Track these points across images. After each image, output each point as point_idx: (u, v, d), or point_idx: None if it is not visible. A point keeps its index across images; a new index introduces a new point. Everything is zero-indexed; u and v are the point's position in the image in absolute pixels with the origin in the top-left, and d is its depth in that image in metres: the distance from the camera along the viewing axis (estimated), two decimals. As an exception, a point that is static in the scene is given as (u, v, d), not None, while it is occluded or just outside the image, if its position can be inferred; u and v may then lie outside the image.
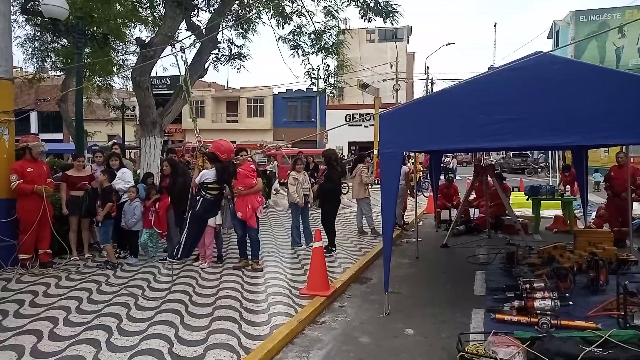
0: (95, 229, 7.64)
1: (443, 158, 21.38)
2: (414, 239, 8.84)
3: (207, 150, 6.30)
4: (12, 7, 10.03)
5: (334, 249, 8.39)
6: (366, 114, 30.65)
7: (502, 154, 37.75)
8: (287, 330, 4.63)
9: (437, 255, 8.56)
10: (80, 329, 4.62)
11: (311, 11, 11.94)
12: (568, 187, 11.19)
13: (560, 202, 11.02)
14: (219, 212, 7.05)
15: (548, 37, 41.76)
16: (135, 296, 5.66)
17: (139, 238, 7.52)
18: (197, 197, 5.90)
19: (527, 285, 5.26)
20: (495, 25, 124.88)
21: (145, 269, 6.95)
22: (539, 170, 31.98)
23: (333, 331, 4.92)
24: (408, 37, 50.96)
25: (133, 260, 7.34)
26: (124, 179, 7.48)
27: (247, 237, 7.12)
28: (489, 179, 10.08)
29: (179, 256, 6.06)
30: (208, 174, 5.94)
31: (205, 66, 11.38)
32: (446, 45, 38.94)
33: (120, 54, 15.97)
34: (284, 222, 11.64)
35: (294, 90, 39.32)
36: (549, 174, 19.82)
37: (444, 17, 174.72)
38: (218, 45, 12.12)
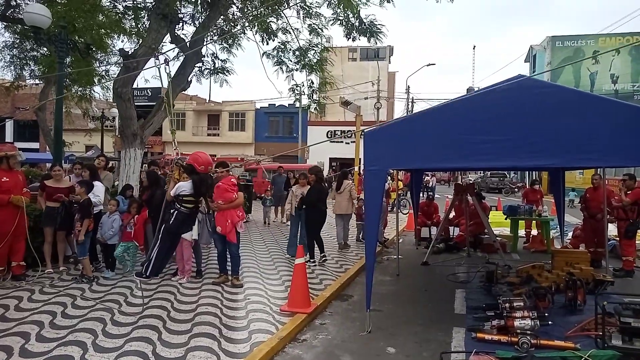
0: (73, 241, 7.46)
1: (423, 176, 21.56)
2: (395, 256, 8.85)
3: (185, 162, 6.20)
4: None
5: (325, 256, 8.79)
6: (348, 131, 30.84)
7: (480, 173, 38.30)
8: (268, 348, 4.56)
9: (417, 273, 8.58)
10: (54, 344, 4.47)
11: (297, 29, 12.06)
12: (544, 207, 11.40)
13: (537, 221, 11.19)
14: (196, 226, 6.97)
15: (525, 61, 42.84)
16: (111, 311, 5.51)
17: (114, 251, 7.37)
18: (172, 210, 5.76)
19: (507, 305, 5.30)
20: (474, 48, 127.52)
21: (122, 283, 6.78)
22: (516, 190, 32.55)
23: (314, 349, 4.86)
24: (390, 56, 51.74)
25: (109, 274, 7.17)
26: (94, 192, 7.28)
27: (228, 252, 7.03)
28: (469, 197, 10.20)
29: (147, 274, 5.93)
30: (184, 186, 5.84)
31: (189, 79, 11.34)
32: (427, 65, 39.30)
33: (102, 65, 15.81)
34: (264, 237, 11.57)
35: (276, 105, 39.41)
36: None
37: (425, 38, 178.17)
38: (202, 58, 12.12)
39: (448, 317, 5.89)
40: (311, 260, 8.47)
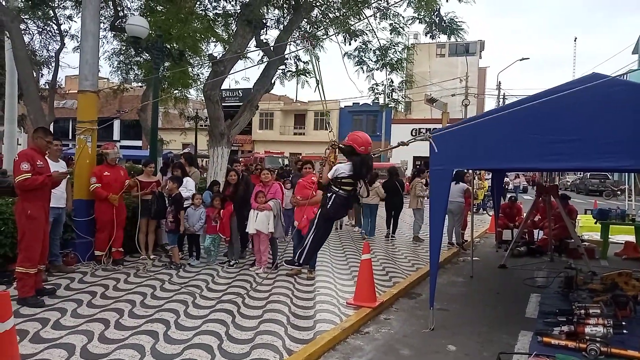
0: (164, 231, 8.23)
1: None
2: (471, 258, 8.74)
3: (343, 142, 5.60)
4: (102, 24, 11.07)
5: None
6: (414, 137, 30.28)
7: (580, 174, 35.80)
8: (330, 337, 4.82)
9: (493, 276, 8.40)
10: (142, 321, 5.06)
11: (373, 30, 12.17)
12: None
13: (632, 227, 10.42)
14: (272, 220, 7.36)
15: (633, 53, 39.30)
16: (193, 295, 6.07)
17: (201, 243, 8.02)
18: (329, 194, 5.33)
19: (582, 311, 5.11)
20: (575, 40, 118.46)
21: (206, 271, 7.38)
22: (619, 192, 30.01)
23: (375, 341, 5.04)
24: (480, 51, 49.83)
25: (195, 262, 7.82)
26: (187, 186, 8.06)
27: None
28: (552, 199, 9.75)
29: (301, 261, 5.60)
30: (343, 168, 5.29)
31: (272, 81, 11.90)
32: (520, 60, 37.50)
33: (195, 68, 16.96)
34: (339, 233, 11.85)
35: (360, 104, 39.60)
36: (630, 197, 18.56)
37: (523, 33, 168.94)
38: (285, 61, 12.63)
39: (517, 320, 5.78)
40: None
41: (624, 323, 5.11)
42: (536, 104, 4.97)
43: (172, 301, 5.80)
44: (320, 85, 6.29)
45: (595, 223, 10.79)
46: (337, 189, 5.29)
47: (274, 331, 4.93)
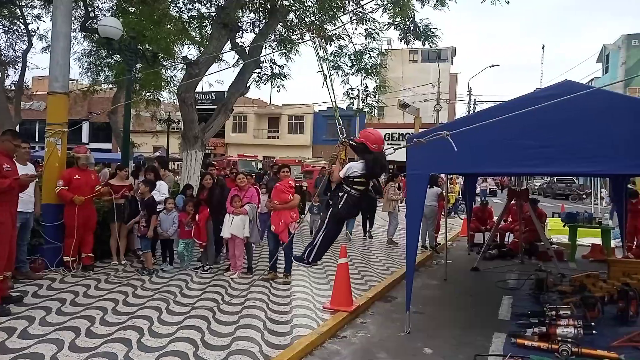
0: (136, 236, 8.06)
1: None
2: (445, 261, 8.85)
3: (355, 140, 5.38)
4: (72, 25, 10.82)
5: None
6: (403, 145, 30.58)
7: (547, 178, 36.73)
8: (307, 341, 4.80)
9: (466, 278, 8.53)
10: (115, 328, 4.93)
11: (348, 35, 12.23)
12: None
13: (599, 230, 10.74)
14: (247, 224, 7.31)
15: (598, 61, 40.64)
16: (167, 301, 5.95)
17: (174, 247, 7.90)
18: (340, 193, 5.11)
19: (553, 312, 5.24)
20: (543, 48, 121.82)
21: (179, 276, 7.26)
22: (584, 196, 30.90)
23: (352, 346, 5.04)
24: (452, 58, 50.75)
25: (168, 267, 7.68)
26: (160, 190, 7.93)
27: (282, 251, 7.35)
28: (523, 203, 9.96)
29: (310, 260, 5.39)
30: (355, 167, 5.06)
31: (247, 84, 11.83)
32: (490, 67, 38.29)
33: (169, 70, 16.74)
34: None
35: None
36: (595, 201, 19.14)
37: (494, 39, 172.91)
38: (260, 64, 12.58)
39: (491, 322, 5.87)
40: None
41: (593, 324, 5.25)
42: (512, 111, 5.08)
43: (145, 308, 5.67)
44: (328, 81, 6.06)
45: (564, 226, 11.08)
46: (349, 189, 5.05)
47: (250, 337, 4.88)
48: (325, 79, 5.97)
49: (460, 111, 54.58)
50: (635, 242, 9.46)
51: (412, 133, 26.57)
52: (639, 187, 14.32)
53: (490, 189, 30.76)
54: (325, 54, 6.14)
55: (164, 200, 7.78)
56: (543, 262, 9.56)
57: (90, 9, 13.53)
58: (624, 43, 34.41)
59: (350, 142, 5.28)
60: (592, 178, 18.70)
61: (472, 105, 40.42)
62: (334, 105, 5.96)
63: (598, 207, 16.83)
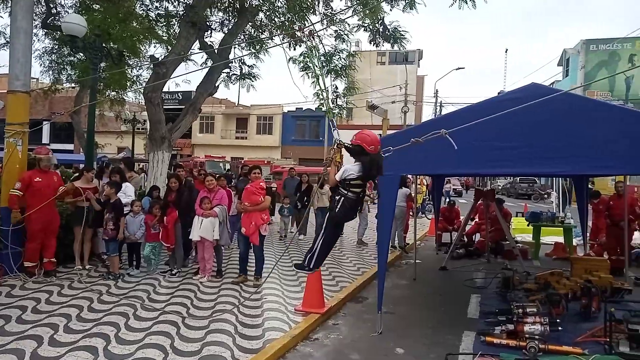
0: (101, 240, 7.82)
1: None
2: (414, 261, 8.95)
3: (351, 142, 5.30)
4: (33, 21, 10.43)
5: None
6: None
7: (510, 178, 37.70)
8: (280, 345, 4.76)
9: (434, 278, 8.64)
10: (80, 336, 4.77)
11: (318, 36, 12.22)
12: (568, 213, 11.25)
13: (561, 229, 11.07)
14: (217, 227, 7.21)
15: (558, 65, 41.98)
16: (134, 306, 5.80)
17: (141, 251, 7.71)
18: (337, 197, 5.09)
19: (520, 310, 5.35)
20: (506, 52, 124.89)
21: (146, 281, 7.09)
22: (545, 196, 31.88)
23: (325, 348, 5.03)
24: (419, 60, 51.47)
25: (135, 271, 7.49)
26: (125, 192, 7.72)
27: (252, 253, 7.27)
28: (489, 203, 10.18)
29: (311, 266, 5.35)
30: (352, 169, 5.02)
31: (216, 84, 11.68)
32: (456, 69, 39.15)
33: (134, 70, 16.36)
34: (285, 241, 11.78)
35: (303, 109, 39.76)
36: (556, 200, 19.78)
37: (457, 42, 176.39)
38: (229, 64, 12.45)
39: (460, 321, 5.96)
40: None
41: (558, 320, 5.40)
42: (480, 113, 5.18)
43: (112, 313, 5.51)
44: (320, 80, 5.98)
45: (528, 225, 11.37)
46: (346, 192, 5.02)
47: (221, 341, 4.80)
48: (318, 79, 5.93)
49: (427, 113, 55.56)
50: (597, 240, 9.79)
51: (380, 135, 26.83)
52: (597, 187, 14.87)
53: (455, 189, 31.37)
54: (317, 55, 6.02)
55: (131, 203, 7.58)
56: (509, 260, 9.80)
57: (52, 6, 13.08)
58: (582, 48, 35.63)
59: (346, 144, 5.28)
60: (554, 178, 19.30)
61: (438, 107, 41.12)
62: (327, 107, 5.93)
63: (560, 206, 17.36)
